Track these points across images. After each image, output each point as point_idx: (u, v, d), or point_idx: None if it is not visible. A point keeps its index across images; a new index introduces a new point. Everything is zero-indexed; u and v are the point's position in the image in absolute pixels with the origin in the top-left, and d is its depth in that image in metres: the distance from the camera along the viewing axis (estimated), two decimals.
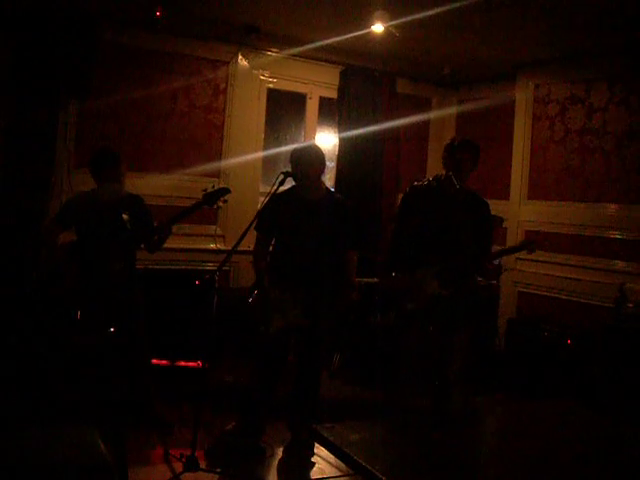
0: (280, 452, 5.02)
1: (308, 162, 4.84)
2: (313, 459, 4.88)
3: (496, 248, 5.38)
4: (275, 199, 4.81)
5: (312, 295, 4.84)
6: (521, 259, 7.10)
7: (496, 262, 5.44)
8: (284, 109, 7.81)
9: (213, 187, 4.92)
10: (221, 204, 4.99)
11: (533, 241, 5.37)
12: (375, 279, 6.77)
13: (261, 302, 4.89)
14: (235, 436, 4.96)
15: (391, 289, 5.51)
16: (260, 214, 4.94)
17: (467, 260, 4.92)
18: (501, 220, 6.70)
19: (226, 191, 4.95)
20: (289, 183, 4.98)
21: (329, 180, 7.57)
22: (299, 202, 4.92)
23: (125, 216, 5.03)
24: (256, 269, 5.02)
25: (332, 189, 4.93)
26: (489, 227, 5.19)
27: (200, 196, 4.93)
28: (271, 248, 5.15)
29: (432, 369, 5.12)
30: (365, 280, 6.60)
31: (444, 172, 5.10)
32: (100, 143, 6.00)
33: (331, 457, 4.46)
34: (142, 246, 5.17)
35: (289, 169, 4.89)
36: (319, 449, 4.77)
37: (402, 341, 5.14)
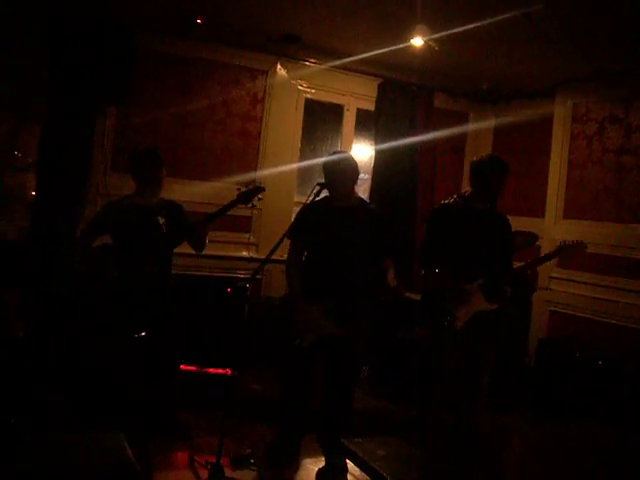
0: (313, 469, 4.91)
1: (340, 171, 4.76)
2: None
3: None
4: (308, 207, 4.80)
5: (345, 305, 4.67)
6: (554, 278, 7.05)
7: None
8: (321, 120, 7.82)
9: (247, 186, 4.98)
10: (256, 202, 5.03)
11: (565, 246, 5.16)
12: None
13: (295, 314, 4.77)
14: (272, 450, 4.95)
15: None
16: (293, 222, 4.95)
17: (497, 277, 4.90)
18: (536, 237, 6.61)
19: (260, 190, 5.02)
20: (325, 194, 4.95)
21: (364, 192, 7.56)
22: (331, 211, 4.84)
23: (161, 219, 5.07)
24: (289, 279, 4.93)
25: (365, 199, 4.86)
26: (510, 246, 5.15)
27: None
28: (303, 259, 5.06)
29: (458, 385, 5.08)
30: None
31: (469, 190, 5.08)
32: (137, 147, 6.02)
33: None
34: (184, 245, 5.19)
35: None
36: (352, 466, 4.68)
37: (436, 356, 5.06)
